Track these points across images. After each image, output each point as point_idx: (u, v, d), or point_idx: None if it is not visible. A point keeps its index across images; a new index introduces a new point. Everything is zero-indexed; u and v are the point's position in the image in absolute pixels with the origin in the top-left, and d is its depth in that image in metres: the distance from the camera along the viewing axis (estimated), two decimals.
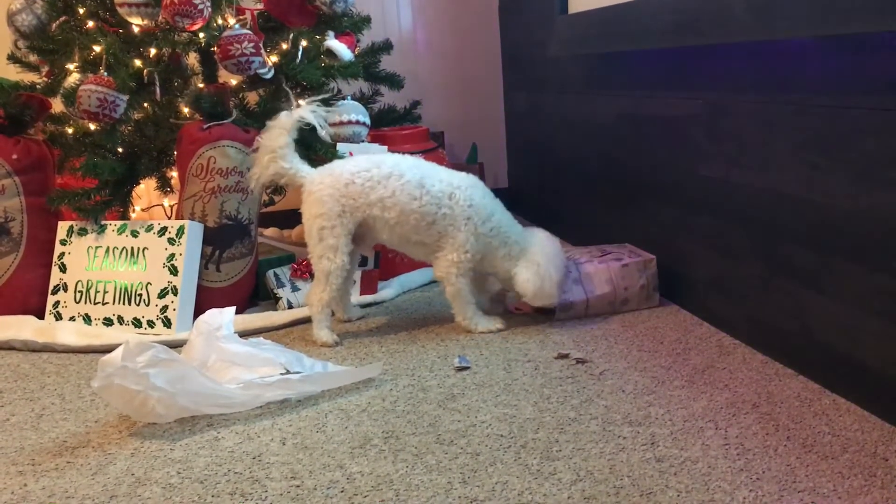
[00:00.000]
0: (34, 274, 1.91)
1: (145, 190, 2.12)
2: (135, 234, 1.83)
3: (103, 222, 1.86)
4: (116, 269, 1.83)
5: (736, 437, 1.14)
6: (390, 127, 2.29)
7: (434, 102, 2.79)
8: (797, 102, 1.30)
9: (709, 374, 1.38)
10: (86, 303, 1.83)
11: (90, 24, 1.92)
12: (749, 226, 1.47)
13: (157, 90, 1.86)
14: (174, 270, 1.77)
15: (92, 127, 1.87)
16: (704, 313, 1.67)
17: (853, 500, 0.97)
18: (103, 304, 1.82)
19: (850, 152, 1.18)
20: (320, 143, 1.84)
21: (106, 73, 1.76)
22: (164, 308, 1.76)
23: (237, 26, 1.81)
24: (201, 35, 1.83)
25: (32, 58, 2.08)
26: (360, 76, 2.09)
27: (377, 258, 1.98)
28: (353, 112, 1.94)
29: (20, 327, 1.80)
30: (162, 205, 2.17)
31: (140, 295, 1.79)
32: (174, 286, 1.77)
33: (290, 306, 1.89)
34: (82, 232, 1.87)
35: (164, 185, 2.00)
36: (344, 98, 2.01)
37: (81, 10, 1.95)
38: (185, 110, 1.94)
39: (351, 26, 2.10)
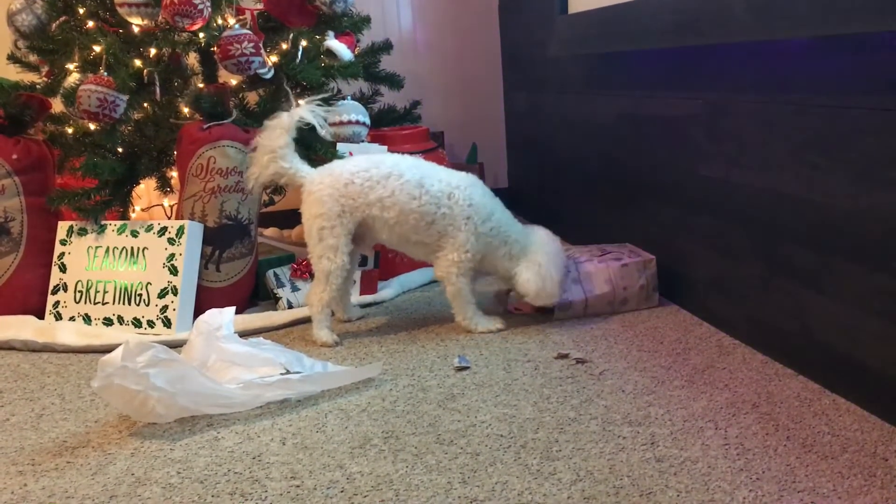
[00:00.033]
0: (34, 274, 1.91)
1: (145, 190, 2.12)
2: (135, 234, 1.83)
3: (103, 222, 1.86)
4: (116, 269, 1.83)
5: (736, 437, 1.14)
6: (390, 127, 2.29)
7: (434, 102, 2.79)
8: (797, 102, 1.30)
9: (709, 374, 1.38)
10: (86, 303, 1.83)
11: (90, 24, 1.92)
12: (749, 226, 1.47)
13: (157, 90, 1.86)
14: (174, 270, 1.77)
15: (92, 127, 1.87)
16: (704, 313, 1.67)
17: (853, 499, 0.97)
18: (103, 304, 1.82)
19: (850, 152, 1.18)
20: (320, 143, 1.84)
21: (106, 73, 1.76)
22: (164, 308, 1.76)
23: (237, 26, 1.81)
24: (201, 35, 1.83)
25: (32, 58, 2.08)
26: (360, 76, 2.09)
27: (377, 258, 1.98)
28: (353, 112, 1.94)
29: (20, 327, 1.80)
30: (162, 205, 2.17)
31: (140, 295, 1.79)
32: (174, 286, 1.77)
33: (290, 306, 1.89)
34: (82, 232, 1.87)
35: (164, 185, 2.00)
36: (344, 98, 2.01)
37: (81, 10, 1.95)
38: (185, 110, 1.94)
39: (351, 26, 2.10)
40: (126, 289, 1.80)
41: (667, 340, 1.56)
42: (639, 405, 1.27)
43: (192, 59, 2.03)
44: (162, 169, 1.98)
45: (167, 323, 1.76)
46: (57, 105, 2.00)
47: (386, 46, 2.24)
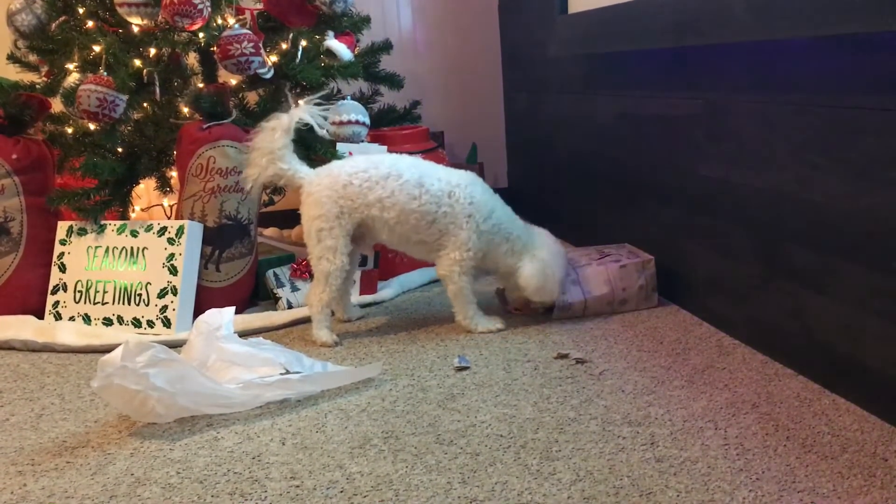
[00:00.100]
0: (34, 274, 1.91)
1: (145, 190, 2.12)
2: (134, 233, 1.83)
3: (103, 222, 1.86)
4: (116, 268, 1.83)
5: (736, 437, 1.14)
6: (390, 127, 2.28)
7: (434, 102, 2.79)
8: (797, 102, 1.29)
9: (708, 374, 1.38)
10: (85, 303, 1.83)
11: (90, 23, 1.92)
12: (749, 226, 1.47)
13: (157, 90, 1.85)
14: (174, 270, 1.77)
15: (91, 127, 1.87)
16: (704, 313, 1.67)
17: (853, 500, 0.97)
18: (103, 303, 1.82)
19: (850, 152, 1.18)
20: (320, 144, 1.84)
21: (105, 73, 1.76)
22: (164, 308, 1.76)
23: (237, 26, 1.81)
24: (201, 35, 1.83)
25: (32, 58, 2.08)
26: (360, 76, 2.09)
27: (377, 258, 1.97)
28: (352, 112, 1.94)
29: (20, 327, 1.80)
30: (162, 205, 2.17)
31: (140, 295, 1.79)
32: (174, 286, 1.77)
33: (290, 306, 1.89)
34: (82, 232, 1.87)
35: (164, 185, 2.00)
36: (344, 98, 2.01)
37: (81, 10, 1.94)
38: (185, 110, 1.94)
39: (351, 26, 2.10)
40: (126, 289, 1.80)
41: (666, 340, 1.56)
42: (639, 405, 1.27)
43: (192, 58, 2.03)
44: (162, 169, 1.98)
45: (167, 323, 1.76)
46: (57, 105, 2.00)
47: (386, 46, 2.24)
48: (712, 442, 1.13)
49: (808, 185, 1.28)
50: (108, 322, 1.81)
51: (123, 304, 1.80)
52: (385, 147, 1.97)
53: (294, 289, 1.92)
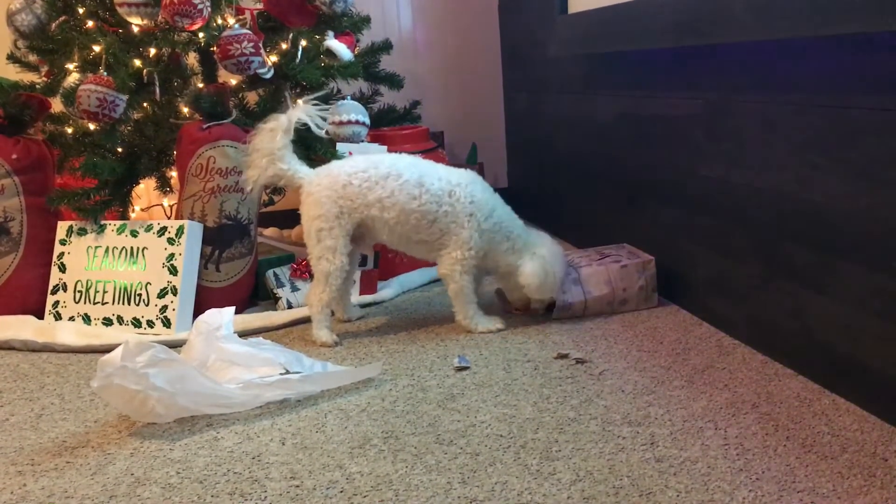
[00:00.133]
0: (34, 274, 1.91)
1: (145, 190, 2.12)
2: (134, 233, 1.83)
3: (103, 222, 1.86)
4: (116, 268, 1.83)
5: (735, 438, 1.14)
6: (390, 127, 2.29)
7: (434, 102, 2.79)
8: (797, 102, 1.29)
9: (708, 374, 1.38)
10: (85, 303, 1.83)
11: (90, 23, 1.92)
12: (749, 226, 1.47)
13: (157, 90, 1.85)
14: (174, 270, 1.77)
15: (91, 127, 1.87)
16: (704, 313, 1.67)
17: (852, 500, 0.97)
18: (103, 303, 1.82)
19: (850, 152, 1.18)
20: (319, 144, 1.84)
21: (105, 73, 1.76)
22: (164, 308, 1.76)
23: (237, 26, 1.81)
24: (201, 35, 1.83)
25: (32, 58, 2.08)
26: (360, 76, 2.09)
27: (377, 258, 1.97)
28: (352, 112, 1.94)
29: (20, 327, 1.80)
30: (161, 205, 2.17)
31: (139, 295, 1.79)
32: (174, 286, 1.76)
33: (290, 306, 1.89)
34: (82, 232, 1.87)
35: (164, 185, 2.00)
36: (344, 98, 2.01)
37: (81, 10, 1.94)
38: (185, 110, 1.94)
39: (351, 26, 2.10)
40: (126, 289, 1.80)
41: (666, 340, 1.56)
42: (638, 405, 1.27)
43: (192, 58, 2.03)
44: (161, 169, 1.98)
45: (167, 323, 1.76)
46: (57, 105, 2.00)
47: (386, 46, 2.24)
48: (712, 442, 1.13)
49: (808, 185, 1.28)
50: (107, 322, 1.81)
51: (123, 304, 1.80)
52: (385, 147, 1.97)
53: (294, 289, 1.92)
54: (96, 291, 1.83)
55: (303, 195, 1.66)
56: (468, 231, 1.64)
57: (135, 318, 1.78)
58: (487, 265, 1.71)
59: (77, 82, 1.79)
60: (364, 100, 2.19)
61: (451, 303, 1.70)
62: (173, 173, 1.99)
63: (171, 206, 2.14)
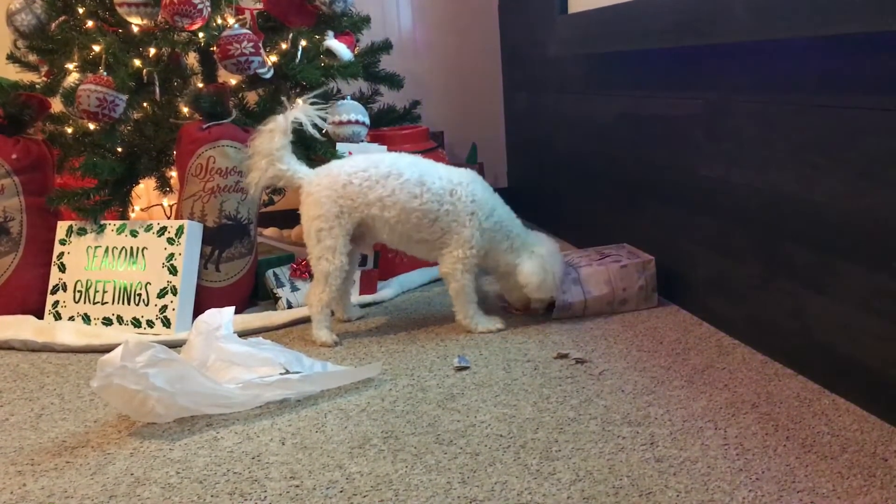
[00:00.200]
0: (33, 274, 1.91)
1: (145, 190, 2.12)
2: (134, 233, 1.83)
3: (102, 222, 1.86)
4: (116, 268, 1.83)
5: (735, 437, 1.14)
6: (390, 127, 2.29)
7: (434, 102, 2.79)
8: (797, 102, 1.29)
9: (708, 374, 1.38)
10: (85, 302, 1.83)
11: (89, 23, 1.92)
12: (749, 226, 1.47)
13: (157, 90, 1.85)
14: (173, 270, 1.77)
15: (91, 126, 1.86)
16: (704, 313, 1.67)
17: (852, 500, 0.97)
18: (102, 303, 1.81)
19: (850, 152, 1.18)
20: (319, 144, 1.84)
21: (105, 73, 1.76)
22: (164, 308, 1.76)
23: (236, 26, 1.81)
24: (201, 35, 1.83)
25: (32, 57, 2.08)
26: (360, 76, 2.09)
27: (377, 258, 1.97)
28: (352, 112, 1.94)
29: (19, 327, 1.80)
30: (161, 204, 2.17)
31: (139, 295, 1.79)
32: (173, 286, 1.76)
33: (290, 306, 1.89)
34: (81, 232, 1.87)
35: (164, 185, 2.00)
36: (343, 98, 2.01)
37: (81, 10, 1.94)
38: (185, 110, 1.94)
39: (350, 26, 2.10)
40: (125, 289, 1.80)
41: (666, 340, 1.56)
42: (638, 405, 1.27)
43: (192, 58, 2.03)
44: (161, 169, 1.98)
45: (166, 323, 1.76)
46: (56, 105, 2.00)
47: (386, 46, 2.24)
48: (712, 442, 1.13)
49: (808, 185, 1.28)
50: (107, 322, 1.81)
51: (123, 304, 1.80)
52: (385, 147, 1.97)
53: (294, 289, 1.92)
54: (96, 291, 1.83)
55: (302, 195, 1.66)
56: (470, 230, 1.64)
57: (134, 318, 1.78)
58: (487, 264, 1.71)
59: (77, 82, 1.79)
60: (364, 100, 2.19)
61: (451, 302, 1.70)
62: (173, 173, 1.99)
63: (170, 206, 2.13)
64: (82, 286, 1.84)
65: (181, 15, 1.71)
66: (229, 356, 1.39)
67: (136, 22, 1.81)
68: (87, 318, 1.82)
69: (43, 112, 2.01)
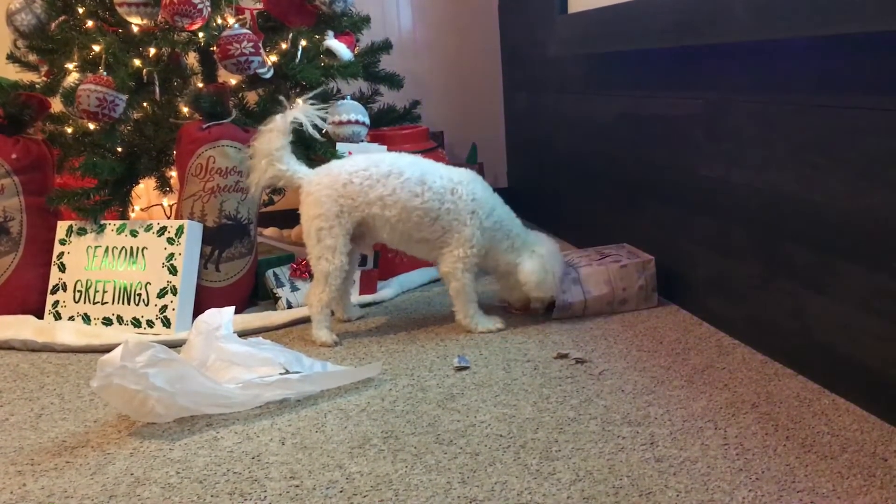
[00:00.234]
0: (33, 273, 1.91)
1: (145, 190, 2.12)
2: (134, 233, 1.83)
3: (102, 222, 1.86)
4: (116, 268, 1.82)
5: (735, 437, 1.14)
6: (390, 127, 2.29)
7: (434, 102, 2.79)
8: (797, 102, 1.29)
9: (708, 374, 1.38)
10: (85, 302, 1.83)
11: (89, 23, 1.92)
12: (749, 226, 1.47)
13: (157, 90, 1.85)
14: (173, 270, 1.77)
15: (91, 126, 1.86)
16: (704, 313, 1.67)
17: (852, 500, 0.97)
18: (102, 303, 1.81)
19: (850, 152, 1.18)
20: (319, 144, 1.84)
21: (105, 73, 1.76)
22: (164, 308, 1.76)
23: (236, 26, 1.81)
24: (201, 35, 1.83)
25: (32, 57, 2.08)
26: (360, 76, 2.09)
27: (377, 258, 1.97)
28: (352, 112, 1.94)
29: (19, 327, 1.80)
30: (161, 204, 2.17)
31: (139, 295, 1.79)
32: (173, 286, 1.76)
33: (290, 306, 1.89)
34: (81, 231, 1.87)
35: (164, 185, 2.00)
36: (343, 98, 2.01)
37: (81, 10, 1.94)
38: (185, 110, 1.94)
39: (350, 26, 2.10)
40: (125, 288, 1.80)
41: (666, 340, 1.56)
42: (638, 405, 1.27)
43: (192, 58, 2.03)
44: (161, 169, 1.98)
45: (166, 323, 1.76)
46: (56, 105, 2.00)
47: (386, 46, 2.24)
48: (712, 442, 1.13)
49: (808, 185, 1.28)
50: (107, 322, 1.81)
51: (123, 303, 1.80)
52: (385, 147, 1.97)
53: (294, 288, 1.92)
54: (96, 291, 1.83)
55: (302, 195, 1.66)
56: (470, 229, 1.64)
57: (134, 318, 1.78)
58: (487, 264, 1.72)
59: (77, 82, 1.79)
60: (364, 100, 2.19)
61: (451, 302, 1.70)
62: (173, 173, 1.99)
63: (170, 206, 2.13)
64: (82, 286, 1.84)
65: (181, 15, 1.71)
66: (229, 356, 1.39)
67: (136, 22, 1.81)
68: (87, 318, 1.82)
69: (43, 112, 2.01)
